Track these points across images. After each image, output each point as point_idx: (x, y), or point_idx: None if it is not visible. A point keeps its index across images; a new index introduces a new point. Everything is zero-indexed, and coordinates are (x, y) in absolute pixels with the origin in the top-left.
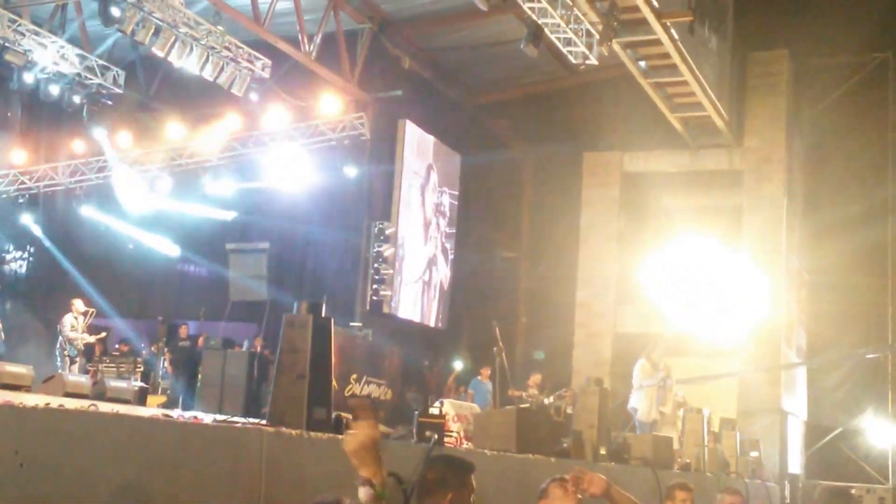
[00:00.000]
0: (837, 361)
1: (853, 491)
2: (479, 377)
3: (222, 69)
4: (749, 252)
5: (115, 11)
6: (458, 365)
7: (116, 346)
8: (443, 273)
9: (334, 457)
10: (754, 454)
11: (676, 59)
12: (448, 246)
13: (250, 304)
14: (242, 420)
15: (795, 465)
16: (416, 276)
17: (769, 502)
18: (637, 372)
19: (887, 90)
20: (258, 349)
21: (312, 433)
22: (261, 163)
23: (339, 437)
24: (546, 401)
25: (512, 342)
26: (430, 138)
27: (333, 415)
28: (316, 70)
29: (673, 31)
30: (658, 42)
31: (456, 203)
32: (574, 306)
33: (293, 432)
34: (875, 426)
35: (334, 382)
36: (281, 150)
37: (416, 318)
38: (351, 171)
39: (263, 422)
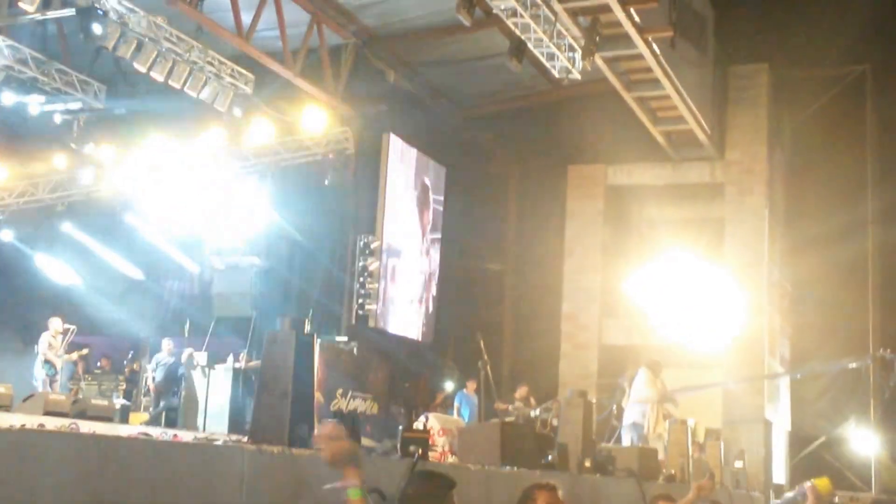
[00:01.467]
0: (820, 372)
1: (836, 499)
2: (464, 390)
3: (205, 84)
4: (731, 264)
5: (97, 27)
6: (449, 385)
7: (98, 363)
8: (430, 287)
9: (317, 474)
10: (739, 464)
11: (658, 73)
12: (435, 258)
13: (235, 320)
14: (223, 437)
15: (780, 474)
16: (410, 291)
17: None
18: (643, 383)
19: (865, 102)
20: (243, 365)
21: (294, 450)
22: (244, 178)
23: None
24: (532, 413)
25: (497, 355)
26: (415, 152)
27: (316, 431)
28: (300, 85)
29: (654, 45)
30: (640, 57)
31: (442, 216)
32: (559, 318)
33: (274, 449)
34: (858, 435)
35: (320, 397)
36: (265, 164)
37: (406, 333)
38: (335, 185)
39: (245, 439)
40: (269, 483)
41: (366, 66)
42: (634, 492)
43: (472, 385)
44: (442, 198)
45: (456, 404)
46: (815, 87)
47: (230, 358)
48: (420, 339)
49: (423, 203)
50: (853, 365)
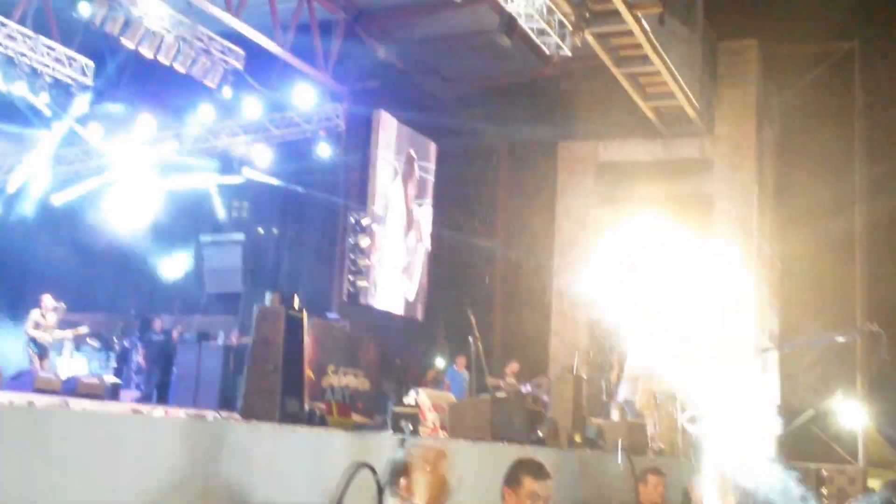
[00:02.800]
0: (808, 346)
1: (824, 472)
2: (454, 366)
3: (194, 60)
4: (721, 239)
5: (84, 8)
6: (440, 362)
7: (88, 340)
8: (421, 263)
9: (307, 449)
10: None
11: (648, 49)
12: (426, 235)
13: (226, 297)
14: (215, 413)
15: (768, 447)
16: (397, 267)
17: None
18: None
19: (854, 78)
20: (234, 342)
21: (285, 425)
22: (234, 154)
23: (313, 428)
24: (523, 389)
25: (488, 331)
26: (406, 128)
27: (306, 406)
28: (290, 61)
29: (644, 21)
30: (629, 33)
31: (432, 192)
32: (550, 294)
33: (265, 425)
34: (845, 408)
35: (310, 373)
36: (255, 140)
37: (395, 310)
38: (326, 162)
39: (236, 415)
40: (261, 458)
41: (356, 42)
42: (624, 466)
43: (461, 361)
44: (433, 173)
45: (446, 381)
46: (804, 62)
47: (220, 334)
48: (411, 315)
49: (414, 179)
50: (841, 339)
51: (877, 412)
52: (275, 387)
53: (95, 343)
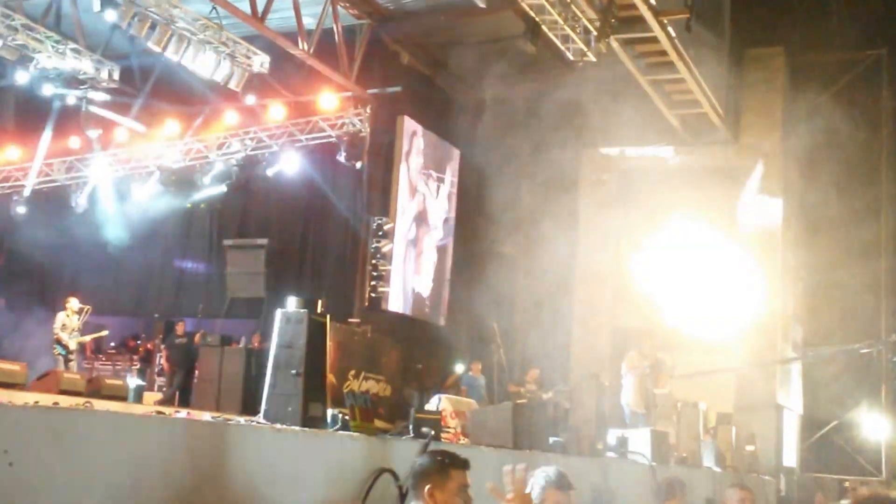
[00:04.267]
0: (832, 356)
1: (846, 483)
2: (470, 372)
3: (219, 65)
4: (745, 248)
5: (111, 14)
6: (459, 368)
7: (112, 343)
8: (443, 268)
9: (330, 453)
10: (750, 448)
11: (673, 56)
12: (449, 241)
13: (248, 301)
14: (238, 417)
15: (791, 458)
16: (423, 273)
17: (765, 496)
18: (623, 364)
19: (881, 87)
20: (256, 346)
21: (308, 430)
22: (258, 159)
23: (335, 433)
24: (544, 396)
25: (510, 337)
26: (429, 134)
27: (329, 412)
28: (314, 66)
29: (670, 28)
30: (655, 39)
31: (455, 198)
32: (572, 301)
33: (288, 429)
34: (869, 419)
35: (332, 378)
36: (278, 146)
37: (418, 315)
38: (349, 167)
39: (259, 419)
40: (283, 462)
41: (380, 47)
42: (646, 474)
43: (476, 367)
44: (456, 180)
45: (463, 387)
46: (831, 70)
47: (243, 338)
48: (433, 321)
49: (436, 185)
50: (865, 349)
51: None
52: (298, 391)
53: (120, 346)
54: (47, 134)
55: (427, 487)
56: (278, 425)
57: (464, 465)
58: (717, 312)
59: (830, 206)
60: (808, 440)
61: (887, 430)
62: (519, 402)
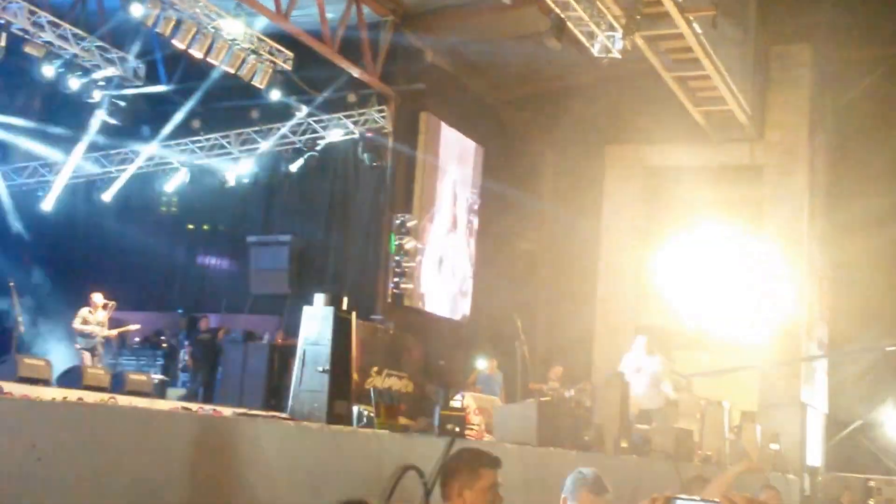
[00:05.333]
0: (857, 355)
1: (871, 483)
2: (486, 370)
3: (244, 61)
4: (771, 246)
5: (136, 9)
6: (481, 364)
7: (136, 338)
8: (466, 266)
9: (355, 450)
10: (774, 447)
11: (699, 52)
12: (472, 238)
13: (272, 297)
14: (263, 413)
15: (815, 457)
16: (446, 269)
17: (788, 495)
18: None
19: None
20: (279, 342)
21: (333, 426)
22: (282, 156)
23: (361, 430)
24: (566, 394)
25: (532, 335)
26: (452, 131)
27: (354, 409)
28: (338, 63)
29: (696, 24)
30: (681, 36)
31: (478, 196)
32: (595, 299)
33: (314, 425)
34: (894, 419)
35: (355, 375)
36: (301, 143)
37: (440, 312)
38: (373, 164)
39: (284, 415)
40: (308, 459)
41: (404, 44)
42: (670, 473)
43: (492, 364)
44: (479, 176)
45: (477, 386)
46: (859, 68)
47: (266, 334)
48: (455, 318)
49: (459, 182)
50: (891, 348)
51: None
52: (323, 388)
53: (143, 341)
54: (87, 132)
55: (457, 486)
56: (304, 422)
57: (494, 463)
58: (740, 311)
59: (858, 204)
60: (832, 439)
61: None
62: (543, 399)
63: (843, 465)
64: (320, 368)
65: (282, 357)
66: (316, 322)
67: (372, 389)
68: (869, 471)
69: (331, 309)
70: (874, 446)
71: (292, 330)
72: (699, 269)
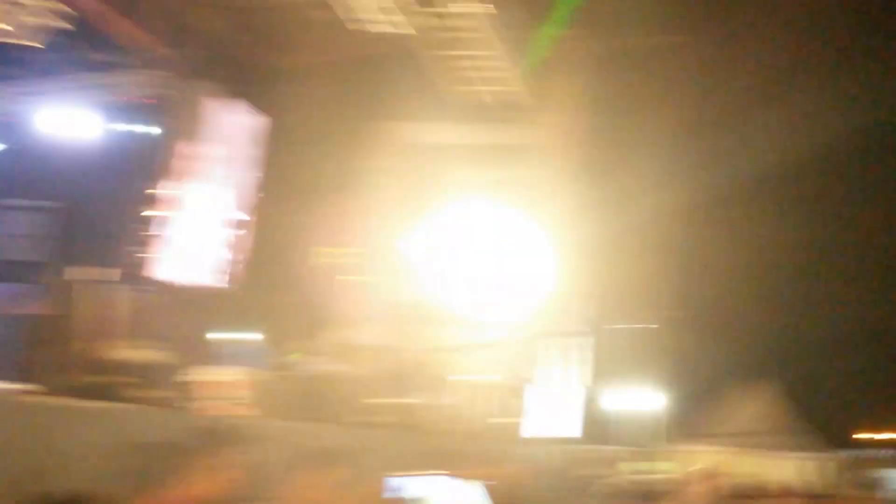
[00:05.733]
0: (617, 332)
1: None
2: (250, 343)
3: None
4: (540, 225)
5: None
6: (246, 336)
7: None
8: (229, 237)
9: (100, 424)
10: (515, 419)
11: (477, 32)
12: (240, 210)
13: (27, 265)
14: (8, 387)
15: (573, 430)
16: (200, 240)
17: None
18: None
19: (678, 73)
20: (30, 313)
21: (78, 400)
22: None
23: (110, 404)
24: (317, 368)
25: (291, 308)
26: (228, 100)
27: (102, 382)
28: (114, 24)
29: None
30: (460, 14)
31: (251, 167)
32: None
33: (58, 399)
34: (645, 394)
35: (105, 347)
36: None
37: (194, 282)
38: (137, 132)
39: (30, 388)
40: (56, 433)
41: (181, 9)
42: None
43: (257, 337)
44: (249, 147)
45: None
46: (634, 55)
47: (18, 305)
48: (212, 288)
49: (231, 152)
50: (647, 326)
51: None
52: (67, 360)
53: None
54: None
55: (198, 463)
56: (48, 396)
57: (235, 441)
58: (499, 288)
59: (619, 184)
60: (591, 414)
61: (660, 403)
62: (304, 374)
63: (595, 437)
64: (67, 340)
65: (33, 329)
66: (65, 293)
67: (122, 362)
68: (619, 443)
69: (80, 280)
70: (623, 420)
71: (44, 301)
72: (461, 247)
